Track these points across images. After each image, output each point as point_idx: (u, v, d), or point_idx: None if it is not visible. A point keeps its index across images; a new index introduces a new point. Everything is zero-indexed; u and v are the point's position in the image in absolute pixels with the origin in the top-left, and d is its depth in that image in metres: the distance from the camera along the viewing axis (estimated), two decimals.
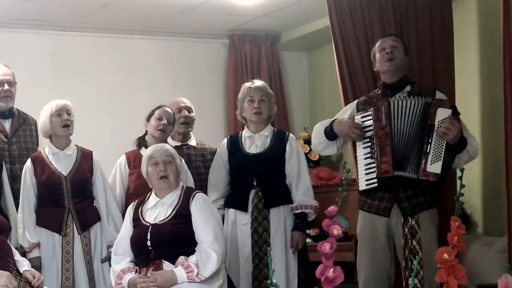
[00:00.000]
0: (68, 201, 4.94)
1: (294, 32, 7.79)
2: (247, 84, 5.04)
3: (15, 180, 5.08)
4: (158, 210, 4.49)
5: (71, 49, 7.36)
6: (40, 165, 4.97)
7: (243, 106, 4.99)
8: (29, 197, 4.94)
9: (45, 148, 5.05)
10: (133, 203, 4.65)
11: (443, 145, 4.22)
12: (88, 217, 4.99)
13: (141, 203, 4.59)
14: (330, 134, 4.53)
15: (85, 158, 5.07)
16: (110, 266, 4.99)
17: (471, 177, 5.68)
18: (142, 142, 5.26)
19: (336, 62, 5.50)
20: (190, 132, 5.52)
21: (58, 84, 7.12)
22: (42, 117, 5.00)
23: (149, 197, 4.60)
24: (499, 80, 4.59)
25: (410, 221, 4.32)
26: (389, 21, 5.35)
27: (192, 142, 5.47)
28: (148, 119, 5.26)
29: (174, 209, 4.46)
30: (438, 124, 4.24)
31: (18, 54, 7.01)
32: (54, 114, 4.95)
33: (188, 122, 5.44)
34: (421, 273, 4.21)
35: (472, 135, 4.40)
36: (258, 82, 5.04)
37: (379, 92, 4.55)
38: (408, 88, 4.47)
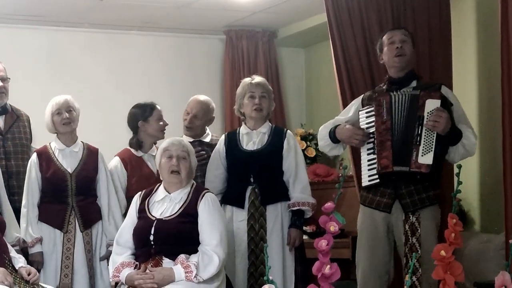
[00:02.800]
0: (72, 198, 4.92)
1: (291, 28, 7.78)
2: (247, 80, 5.00)
3: (10, 177, 5.06)
4: (165, 205, 4.46)
5: (67, 45, 7.35)
6: (46, 160, 4.95)
7: (242, 102, 4.95)
8: (34, 192, 4.92)
9: (52, 143, 5.03)
10: (140, 192, 4.62)
11: (433, 136, 4.21)
12: (91, 214, 4.98)
13: (149, 194, 4.56)
14: (333, 138, 4.54)
15: (91, 155, 5.06)
16: (108, 264, 4.99)
17: (469, 174, 5.67)
18: (138, 142, 5.20)
19: (333, 58, 5.49)
20: (206, 127, 5.47)
21: (53, 80, 7.11)
22: (45, 116, 4.99)
23: (157, 189, 4.56)
24: (497, 76, 4.57)
25: (411, 218, 4.30)
26: (386, 17, 5.34)
27: (207, 138, 5.39)
28: (144, 120, 5.20)
29: (181, 206, 4.43)
30: (428, 115, 4.22)
31: (13, 50, 7.00)
32: (54, 113, 4.95)
33: (191, 128, 5.39)
34: (420, 270, 4.20)
35: (472, 130, 4.35)
36: (258, 78, 5.00)
37: (384, 86, 4.51)
38: (414, 83, 4.43)
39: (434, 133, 4.20)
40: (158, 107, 5.26)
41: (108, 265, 4.99)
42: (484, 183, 5.94)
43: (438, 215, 4.38)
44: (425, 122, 4.22)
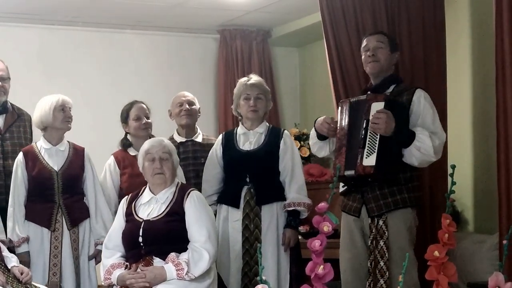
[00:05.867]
0: (58, 197, 4.92)
1: (285, 27, 7.78)
2: (243, 80, 4.98)
3: (8, 176, 5.05)
4: (152, 206, 4.46)
5: (59, 44, 7.33)
6: (32, 159, 4.95)
7: (238, 102, 4.95)
8: (20, 191, 4.91)
9: (38, 142, 5.04)
10: (126, 197, 4.63)
11: (376, 138, 4.17)
12: (78, 213, 4.98)
13: (135, 197, 4.56)
14: (317, 133, 4.54)
15: (77, 154, 5.06)
16: (96, 263, 4.98)
17: (463, 174, 5.66)
18: (126, 143, 5.24)
19: (327, 58, 5.48)
20: (197, 127, 5.47)
21: (47, 78, 7.09)
22: (43, 108, 4.95)
23: (143, 192, 4.57)
24: (491, 76, 4.57)
25: (376, 221, 4.28)
26: (381, 16, 5.33)
27: (198, 138, 5.40)
28: (124, 121, 5.23)
29: (168, 206, 4.43)
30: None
31: (6, 48, 6.97)
32: (58, 108, 4.95)
33: (190, 114, 5.39)
34: (387, 274, 4.17)
35: (433, 134, 4.23)
36: (254, 78, 4.97)
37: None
38: (391, 88, 4.40)
39: (377, 135, 4.17)
40: (139, 104, 5.24)
41: (95, 264, 5.00)
42: (478, 184, 5.94)
43: (411, 218, 4.31)
44: (369, 125, 4.20)
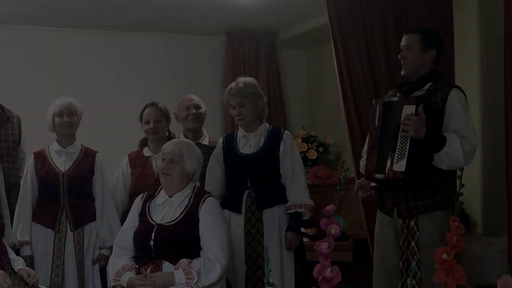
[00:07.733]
0: (64, 198, 4.95)
1: (292, 29, 7.77)
2: (227, 89, 4.93)
3: None
4: (165, 209, 4.42)
5: (69, 46, 7.35)
6: (41, 160, 5.02)
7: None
8: (27, 193, 4.96)
9: (50, 145, 5.09)
10: (142, 195, 4.57)
11: (407, 142, 4.14)
12: (82, 215, 4.99)
13: (151, 197, 4.51)
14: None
15: (87, 157, 5.10)
16: (99, 267, 4.96)
17: (471, 176, 5.64)
18: (144, 143, 5.33)
19: (335, 60, 5.46)
20: (203, 129, 5.47)
21: (56, 81, 7.10)
22: (47, 114, 5.06)
23: (159, 192, 4.53)
24: (500, 79, 4.55)
25: (408, 222, 4.27)
26: (388, 18, 5.31)
27: (205, 140, 5.38)
28: (141, 122, 5.32)
29: (182, 211, 4.38)
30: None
31: (15, 51, 7.00)
32: (56, 114, 5.02)
33: (197, 118, 5.38)
34: (419, 274, 4.16)
35: (464, 140, 4.17)
36: (237, 85, 4.87)
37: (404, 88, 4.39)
38: (428, 85, 4.30)
39: (408, 140, 4.14)
40: (151, 108, 5.31)
41: (99, 269, 4.99)
42: (487, 186, 5.92)
43: (442, 221, 4.22)
44: (400, 128, 4.16)
